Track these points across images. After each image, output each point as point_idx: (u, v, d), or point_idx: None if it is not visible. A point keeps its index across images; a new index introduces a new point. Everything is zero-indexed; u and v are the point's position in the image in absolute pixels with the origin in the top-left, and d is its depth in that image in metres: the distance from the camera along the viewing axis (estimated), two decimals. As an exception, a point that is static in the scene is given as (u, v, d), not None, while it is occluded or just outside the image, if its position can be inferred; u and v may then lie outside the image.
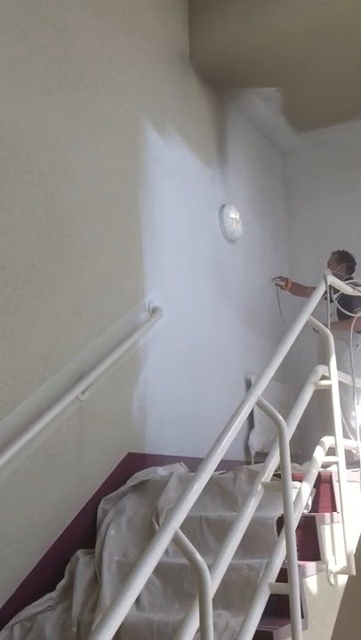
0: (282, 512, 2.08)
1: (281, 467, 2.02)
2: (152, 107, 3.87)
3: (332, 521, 2.50)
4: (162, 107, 3.98)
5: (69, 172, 3.11)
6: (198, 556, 1.53)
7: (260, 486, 2.08)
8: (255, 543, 2.37)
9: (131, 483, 3.02)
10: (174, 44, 4.22)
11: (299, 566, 2.02)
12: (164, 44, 4.11)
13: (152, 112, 3.86)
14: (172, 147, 4.04)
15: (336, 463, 2.54)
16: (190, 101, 4.35)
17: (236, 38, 4.17)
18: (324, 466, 2.57)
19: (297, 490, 2.29)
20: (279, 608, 2.04)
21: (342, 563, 2.46)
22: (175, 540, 1.55)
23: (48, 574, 2.62)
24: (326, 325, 2.79)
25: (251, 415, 4.20)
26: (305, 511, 2.45)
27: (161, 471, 3.15)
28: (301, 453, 3.91)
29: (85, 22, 3.37)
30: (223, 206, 4.52)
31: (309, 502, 2.56)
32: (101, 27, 3.49)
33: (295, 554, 1.94)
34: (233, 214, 4.55)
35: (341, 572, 2.44)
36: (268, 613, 1.93)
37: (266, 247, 5.10)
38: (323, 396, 2.68)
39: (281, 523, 2.27)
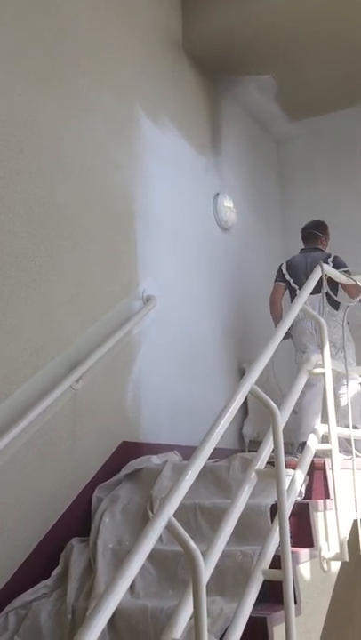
0: (276, 499, 2.08)
1: (275, 454, 2.03)
2: (146, 94, 3.84)
3: (325, 508, 2.51)
4: (155, 94, 3.95)
5: (63, 159, 3.09)
6: (192, 543, 1.53)
7: (253, 474, 2.09)
8: (249, 530, 2.38)
9: (125, 471, 3.03)
10: (168, 31, 4.18)
11: (292, 553, 2.04)
12: (158, 31, 4.07)
13: (146, 100, 3.83)
14: (166, 135, 4.02)
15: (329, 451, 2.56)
16: (184, 89, 4.31)
17: (231, 25, 4.13)
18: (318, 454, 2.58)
19: (290, 477, 2.31)
20: (273, 594, 2.06)
21: (335, 549, 2.48)
22: (169, 528, 1.55)
23: (43, 562, 2.63)
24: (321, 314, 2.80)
25: (245, 403, 4.21)
26: (298, 498, 2.46)
27: (155, 460, 3.16)
28: (295, 442, 3.92)
29: (79, 9, 3.33)
30: (217, 195, 4.51)
31: (303, 490, 2.57)
32: (95, 14, 3.46)
33: (288, 540, 1.95)
34: (227, 203, 4.53)
35: (334, 559, 2.46)
36: (261, 599, 1.94)
37: (260, 235, 5.09)
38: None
39: (275, 510, 2.28)
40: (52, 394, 2.73)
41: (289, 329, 3.87)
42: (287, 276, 4.04)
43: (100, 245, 3.28)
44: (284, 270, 4.08)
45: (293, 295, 3.97)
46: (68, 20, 3.24)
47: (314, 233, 4.23)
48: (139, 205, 3.64)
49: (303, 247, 4.22)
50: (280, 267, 4.13)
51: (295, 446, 3.73)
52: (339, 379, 3.53)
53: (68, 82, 3.19)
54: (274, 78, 4.71)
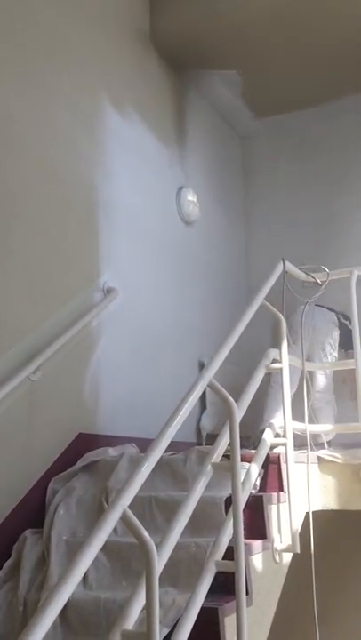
0: (230, 492, 2.11)
1: (231, 447, 2.05)
2: (111, 84, 3.81)
3: (278, 501, 2.55)
4: (121, 84, 3.92)
5: (24, 147, 3.04)
6: (146, 534, 1.54)
7: (209, 467, 2.10)
8: (204, 522, 2.40)
9: (81, 463, 3.01)
10: (135, 22, 4.14)
11: (245, 544, 2.06)
12: (125, 20, 4.03)
13: (111, 89, 3.79)
14: (131, 126, 3.99)
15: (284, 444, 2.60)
16: (150, 80, 4.29)
17: (199, 18, 4.12)
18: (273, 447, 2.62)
19: (246, 470, 2.33)
20: (225, 585, 2.08)
21: (287, 541, 2.52)
22: (123, 519, 1.55)
23: (-5, 554, 2.60)
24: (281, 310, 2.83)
25: (203, 397, 4.23)
26: (253, 491, 2.49)
27: (112, 452, 3.15)
28: (253, 435, 3.97)
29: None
30: (181, 188, 4.50)
31: (257, 482, 2.61)
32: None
33: (242, 532, 1.97)
34: (190, 197, 4.53)
35: (286, 550, 2.51)
36: (214, 591, 1.96)
37: (223, 230, 5.11)
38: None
39: (229, 502, 2.30)
40: (9, 384, 2.69)
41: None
42: None
43: (61, 235, 3.25)
44: None
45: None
46: (33, 5, 3.18)
47: None
48: (101, 195, 3.61)
49: None
50: None
51: (251, 439, 3.77)
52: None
53: (30, 67, 3.13)
54: (240, 74, 4.72)
